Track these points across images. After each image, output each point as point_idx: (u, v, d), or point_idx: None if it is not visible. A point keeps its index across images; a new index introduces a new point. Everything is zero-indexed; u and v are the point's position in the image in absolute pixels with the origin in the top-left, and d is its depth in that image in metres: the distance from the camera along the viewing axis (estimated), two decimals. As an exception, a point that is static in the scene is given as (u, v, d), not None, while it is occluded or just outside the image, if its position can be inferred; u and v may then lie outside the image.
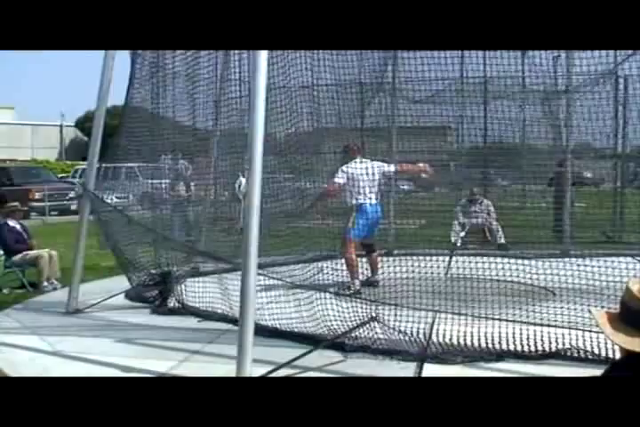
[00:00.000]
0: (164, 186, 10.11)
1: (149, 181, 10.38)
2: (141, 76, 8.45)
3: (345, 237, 7.99)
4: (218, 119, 8.42)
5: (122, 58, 8.28)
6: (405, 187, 13.17)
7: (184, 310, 7.27)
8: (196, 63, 8.03)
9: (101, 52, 7.96)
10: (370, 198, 8.06)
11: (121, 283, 8.31)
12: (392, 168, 8.42)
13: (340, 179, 8.05)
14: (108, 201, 8.71)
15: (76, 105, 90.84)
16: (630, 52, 8.86)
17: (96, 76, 7.97)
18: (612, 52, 8.94)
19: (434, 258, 7.33)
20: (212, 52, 8.02)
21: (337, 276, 7.55)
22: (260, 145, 5.25)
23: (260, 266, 5.72)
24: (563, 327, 5.67)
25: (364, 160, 8.21)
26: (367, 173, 8.00)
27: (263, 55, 5.31)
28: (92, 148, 8.13)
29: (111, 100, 8.54)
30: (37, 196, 22.39)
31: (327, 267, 7.18)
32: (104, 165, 8.93)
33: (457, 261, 7.94)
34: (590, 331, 5.26)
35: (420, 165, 8.50)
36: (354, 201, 8.03)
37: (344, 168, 8.09)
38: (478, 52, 8.77)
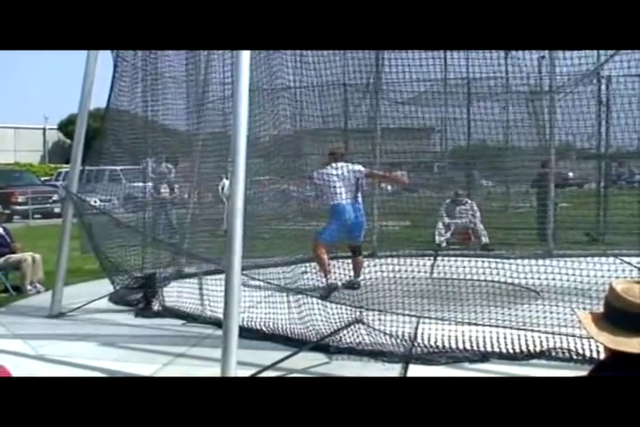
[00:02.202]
0: (147, 188, 10.08)
1: (133, 184, 10.34)
2: (124, 78, 8.41)
3: (315, 238, 7.99)
4: (201, 121, 8.39)
5: (105, 60, 8.27)
6: (389, 188, 13.18)
7: (168, 313, 7.23)
8: (178, 66, 8.02)
9: (84, 55, 7.92)
10: (344, 199, 8.00)
11: (105, 286, 8.25)
12: (362, 169, 8.26)
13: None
14: (92, 204, 8.68)
15: (59, 108, 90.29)
16: (612, 52, 8.90)
17: (79, 79, 7.94)
18: (594, 53, 9.00)
19: (418, 259, 7.34)
20: (195, 54, 8.00)
21: (321, 277, 7.56)
22: (243, 147, 5.24)
23: (244, 268, 5.71)
24: (547, 328, 5.69)
25: (339, 164, 8.15)
26: (338, 175, 7.96)
27: (245, 56, 5.30)
28: (75, 150, 8.09)
29: (94, 103, 8.53)
30: (21, 199, 22.28)
31: (311, 269, 7.18)
32: (87, 167, 8.89)
33: (441, 263, 7.96)
34: (574, 333, 5.27)
35: (398, 173, 8.44)
36: (329, 203, 8.01)
37: (315, 173, 8.09)
38: (461, 53, 8.82)
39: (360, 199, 8.18)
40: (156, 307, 7.48)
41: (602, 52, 9.07)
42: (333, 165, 8.09)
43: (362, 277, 7.97)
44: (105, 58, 8.20)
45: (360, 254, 8.29)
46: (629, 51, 8.23)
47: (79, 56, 8.60)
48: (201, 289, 6.97)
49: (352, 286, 7.85)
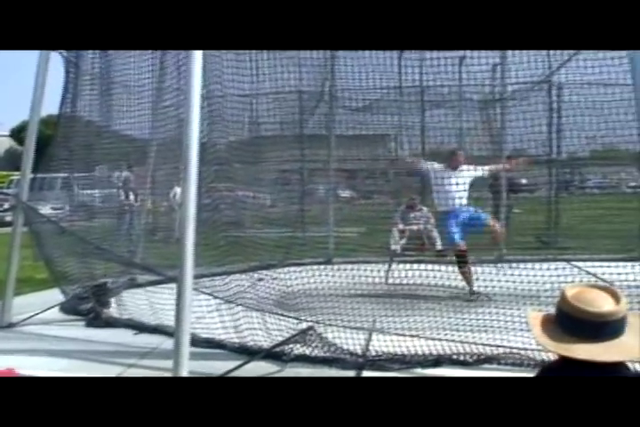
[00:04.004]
0: (122, 196, 10.00)
1: (86, 192, 10.20)
2: (75, 84, 8.31)
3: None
4: (155, 128, 8.33)
5: (57, 65, 8.16)
6: (346, 195, 13.23)
7: (120, 323, 7.16)
8: (131, 71, 7.94)
9: (36, 59, 7.80)
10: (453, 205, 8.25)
11: (56, 296, 8.13)
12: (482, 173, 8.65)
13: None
14: (43, 212, 8.56)
15: (12, 114, 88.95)
16: (564, 59, 9.04)
17: (32, 85, 7.81)
18: (545, 60, 9.11)
19: (374, 265, 7.37)
20: (148, 59, 7.91)
21: (276, 285, 7.52)
22: (194, 154, 5.22)
23: (197, 277, 5.67)
24: (499, 333, 5.75)
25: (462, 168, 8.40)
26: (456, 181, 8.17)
27: (198, 63, 5.27)
28: (26, 158, 7.97)
29: (47, 110, 8.39)
30: (-29, 207, 21.86)
31: (266, 276, 7.14)
32: (39, 175, 8.76)
33: (396, 269, 8.01)
34: (525, 338, 5.32)
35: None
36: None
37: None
38: (415, 61, 8.86)
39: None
40: (107, 317, 7.39)
41: (553, 59, 9.19)
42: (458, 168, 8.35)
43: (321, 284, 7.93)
44: (57, 62, 8.12)
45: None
46: (580, 58, 8.32)
47: (31, 60, 8.51)
48: (153, 298, 6.90)
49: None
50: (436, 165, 8.58)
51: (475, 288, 7.91)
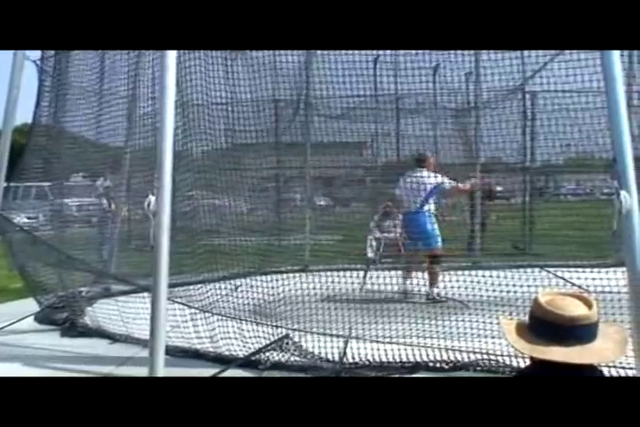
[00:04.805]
0: (105, 205, 9.95)
1: (62, 201, 10.14)
2: (49, 93, 8.27)
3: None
4: (129, 137, 8.29)
5: (32, 74, 8.12)
6: (322, 202, 13.24)
7: (95, 333, 7.10)
8: (104, 80, 7.91)
9: (9, 67, 7.74)
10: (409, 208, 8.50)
11: (30, 305, 8.06)
12: (446, 186, 8.68)
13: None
14: (18, 221, 8.49)
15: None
16: (538, 67, 9.11)
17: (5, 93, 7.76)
18: (519, 69, 9.18)
19: (350, 273, 7.37)
20: (124, 66, 7.86)
21: (253, 293, 7.49)
22: (169, 163, 5.18)
23: (173, 285, 5.65)
24: (474, 340, 5.78)
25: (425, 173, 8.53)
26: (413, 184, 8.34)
27: (171, 71, 5.25)
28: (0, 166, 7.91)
29: (22, 118, 8.33)
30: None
31: (243, 284, 7.12)
32: (13, 184, 8.69)
33: (373, 276, 8.01)
34: (501, 344, 5.35)
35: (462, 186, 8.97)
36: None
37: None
38: (390, 70, 8.89)
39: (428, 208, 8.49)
40: (82, 326, 7.33)
41: (527, 68, 9.27)
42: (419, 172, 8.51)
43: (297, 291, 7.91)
44: (32, 70, 8.08)
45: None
46: (555, 66, 8.38)
47: (5, 69, 8.46)
48: (127, 308, 6.85)
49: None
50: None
51: (436, 291, 8.03)
